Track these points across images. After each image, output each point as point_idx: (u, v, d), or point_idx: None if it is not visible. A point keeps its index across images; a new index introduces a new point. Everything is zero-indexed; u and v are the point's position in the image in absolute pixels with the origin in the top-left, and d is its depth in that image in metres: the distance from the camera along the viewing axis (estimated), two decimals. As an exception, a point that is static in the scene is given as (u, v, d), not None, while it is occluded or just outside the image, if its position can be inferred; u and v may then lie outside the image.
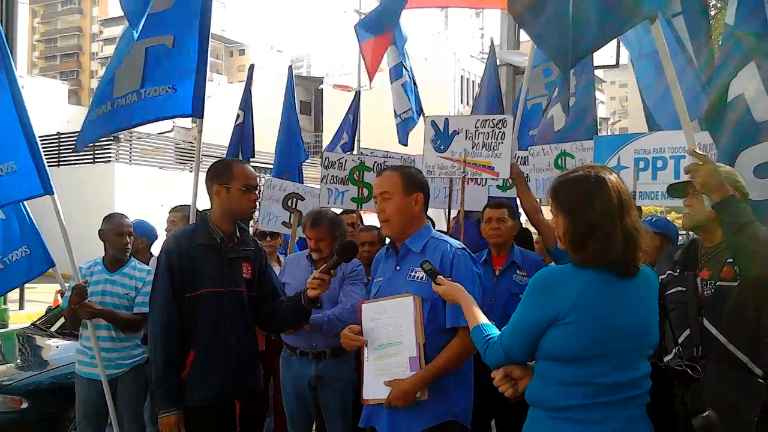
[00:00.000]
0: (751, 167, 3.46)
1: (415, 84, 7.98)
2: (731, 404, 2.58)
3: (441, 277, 2.66)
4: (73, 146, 20.70)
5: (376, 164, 4.92)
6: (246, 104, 7.09)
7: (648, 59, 4.40)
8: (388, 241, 3.19)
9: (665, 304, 3.06)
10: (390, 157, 5.12)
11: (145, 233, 4.98)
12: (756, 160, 3.45)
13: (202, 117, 3.97)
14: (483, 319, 2.47)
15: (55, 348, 6.04)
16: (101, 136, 4.54)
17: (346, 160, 5.01)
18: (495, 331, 2.39)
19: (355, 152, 7.58)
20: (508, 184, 5.28)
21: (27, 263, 3.82)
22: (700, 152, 2.49)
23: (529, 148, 5.58)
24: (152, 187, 18.95)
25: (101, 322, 4.09)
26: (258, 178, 3.34)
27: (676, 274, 2.96)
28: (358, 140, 9.27)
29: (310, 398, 4.08)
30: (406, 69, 8.03)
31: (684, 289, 2.86)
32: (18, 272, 3.83)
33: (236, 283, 3.16)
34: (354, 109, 8.10)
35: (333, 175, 4.92)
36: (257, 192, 3.25)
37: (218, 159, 3.53)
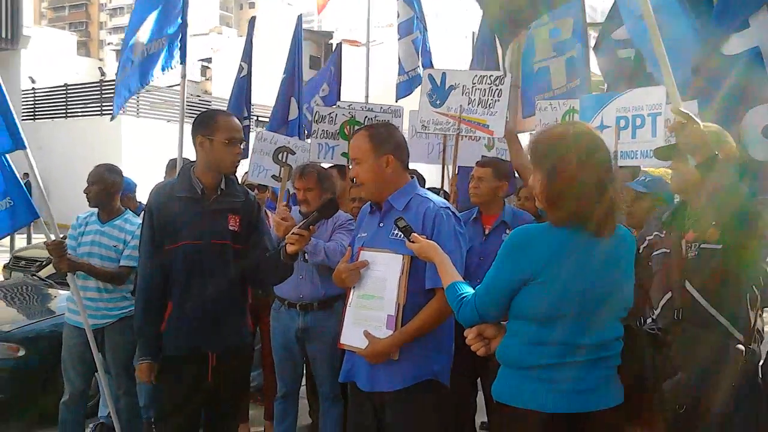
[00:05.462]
0: (760, 127, 3.36)
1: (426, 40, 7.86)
2: (707, 368, 2.57)
3: (415, 234, 2.63)
4: (81, 97, 20.81)
5: (366, 119, 4.85)
6: (248, 56, 7.03)
7: (643, 19, 4.28)
8: None
9: (651, 265, 3.03)
10: (370, 110, 5.04)
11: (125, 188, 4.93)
12: (765, 119, 3.35)
13: (184, 63, 3.96)
14: (457, 277, 2.45)
15: (54, 297, 6.09)
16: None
17: (336, 114, 4.94)
18: (469, 290, 2.37)
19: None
20: (491, 144, 5.25)
21: (11, 214, 3.82)
22: (684, 111, 2.42)
23: (536, 101, 5.47)
24: (159, 140, 18.94)
25: None
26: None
27: (662, 235, 2.92)
28: (366, 96, 9.21)
29: (297, 350, 4.12)
30: (420, 22, 7.89)
31: (668, 250, 2.82)
32: (3, 223, 3.83)
33: (219, 236, 3.13)
34: (335, 60, 7.97)
35: (323, 130, 4.86)
36: (242, 146, 3.20)
37: (205, 110, 3.48)
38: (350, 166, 2.99)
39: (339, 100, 6.95)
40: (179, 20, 4.15)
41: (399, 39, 8.01)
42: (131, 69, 4.53)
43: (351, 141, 3.00)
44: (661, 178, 3.46)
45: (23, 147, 3.64)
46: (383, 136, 2.96)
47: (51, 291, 6.23)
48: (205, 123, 3.15)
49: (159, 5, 4.42)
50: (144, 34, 4.45)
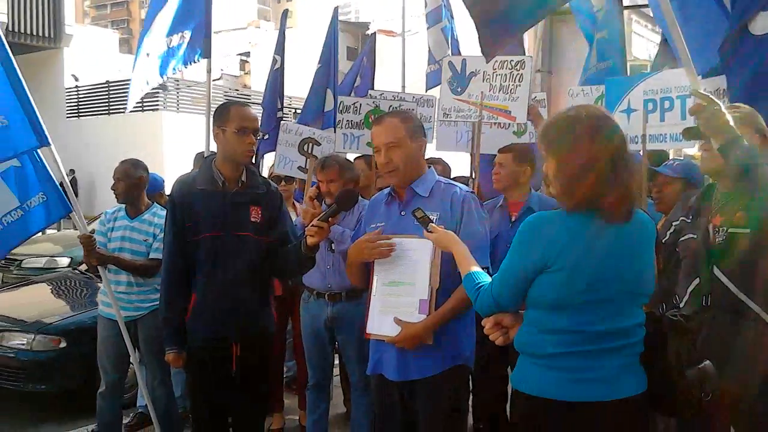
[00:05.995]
0: None
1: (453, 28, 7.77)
2: (738, 355, 2.50)
3: (433, 224, 2.62)
4: (124, 95, 21.21)
5: (391, 108, 4.83)
6: (281, 48, 7.05)
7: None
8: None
9: (678, 251, 2.96)
10: (402, 99, 5.00)
11: (152, 186, 4.99)
12: None
13: (209, 57, 3.99)
14: (475, 267, 2.42)
15: (94, 290, 6.23)
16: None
17: (361, 104, 4.93)
18: (486, 279, 2.34)
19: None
20: (521, 130, 5.14)
21: (45, 209, 3.91)
22: (704, 93, 2.34)
23: (569, 88, 5.38)
24: (200, 134, 19.16)
25: None
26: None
27: (689, 220, 2.85)
28: (403, 86, 9.17)
29: (327, 339, 4.14)
30: (447, 10, 7.82)
31: (695, 235, 2.74)
32: (38, 218, 3.93)
33: (241, 227, 3.16)
34: (368, 52, 7.93)
35: (348, 120, 4.86)
36: (255, 135, 3.20)
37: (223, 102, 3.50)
38: (379, 151, 2.88)
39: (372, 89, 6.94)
40: (202, 15, 4.15)
41: (428, 28, 7.94)
42: (148, 62, 4.51)
43: (379, 125, 2.91)
44: (691, 162, 3.37)
45: (47, 144, 3.71)
46: (416, 122, 2.96)
47: (95, 284, 6.38)
48: (220, 114, 3.18)
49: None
50: (162, 27, 4.44)
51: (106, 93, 21.60)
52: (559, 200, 2.16)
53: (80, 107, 22.51)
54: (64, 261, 9.05)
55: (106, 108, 21.43)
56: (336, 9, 7.35)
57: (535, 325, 2.19)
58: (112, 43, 31.49)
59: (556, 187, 2.15)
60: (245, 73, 50.63)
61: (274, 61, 7.04)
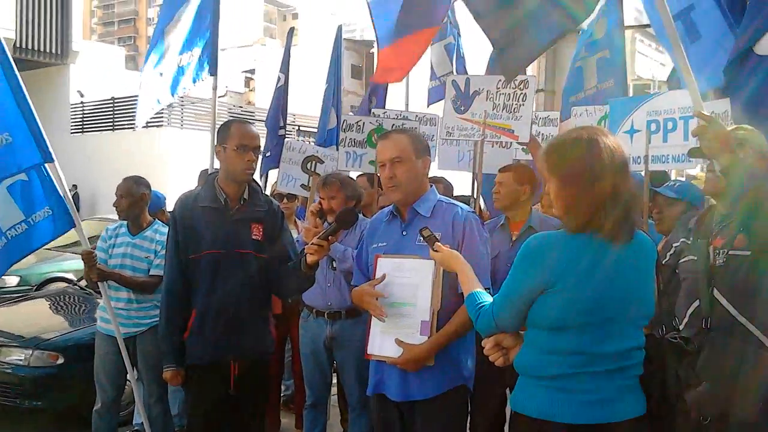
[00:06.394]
0: None
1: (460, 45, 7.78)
2: (738, 378, 2.48)
3: (439, 243, 2.61)
4: (129, 111, 21.33)
5: (394, 126, 4.86)
6: (286, 66, 7.10)
7: (676, 19, 4.17)
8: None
9: (679, 273, 2.95)
10: (405, 118, 5.03)
11: (154, 203, 5.00)
12: None
13: (215, 75, 4.02)
14: (478, 287, 2.42)
15: (94, 306, 6.21)
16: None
17: (364, 123, 4.96)
18: (488, 299, 2.34)
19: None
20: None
21: (51, 222, 3.92)
22: (707, 114, 2.34)
23: (572, 108, 5.39)
24: (203, 151, 19.19)
25: None
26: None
27: (689, 242, 2.84)
28: (406, 104, 9.20)
29: (325, 358, 4.13)
30: (454, 27, 7.83)
31: (696, 257, 2.74)
32: (44, 232, 3.93)
33: (242, 245, 3.16)
34: None
35: (351, 138, 4.89)
36: (255, 153, 3.20)
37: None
38: (384, 166, 2.88)
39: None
40: (208, 33, 4.21)
41: (432, 44, 7.98)
42: (160, 80, 4.60)
43: (385, 141, 2.93)
44: (691, 183, 3.37)
45: (51, 160, 3.73)
46: (422, 139, 2.98)
47: (95, 300, 6.36)
48: (221, 132, 3.20)
49: (189, 16, 4.48)
50: (175, 45, 4.53)
51: (111, 109, 21.69)
52: (561, 221, 2.16)
53: (85, 123, 22.60)
54: (13, 280, 8.68)
55: (111, 124, 21.51)
56: (340, 27, 7.40)
57: (536, 346, 2.18)
58: (119, 59, 31.62)
59: (559, 208, 2.15)
60: (250, 90, 50.85)
61: (278, 79, 7.09)
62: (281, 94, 7.04)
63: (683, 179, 3.58)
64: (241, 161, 3.13)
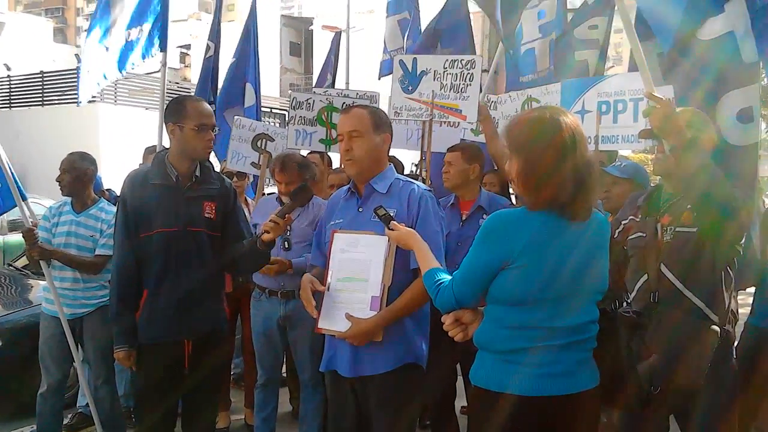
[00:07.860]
0: (734, 111, 3.36)
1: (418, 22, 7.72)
2: (682, 351, 2.59)
3: (394, 222, 2.63)
4: (58, 86, 20.51)
5: (344, 105, 4.83)
6: (215, 36, 6.84)
7: None
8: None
9: (626, 249, 3.05)
10: (346, 96, 5.00)
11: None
12: (740, 104, 3.34)
13: (165, 50, 3.92)
14: (435, 263, 2.46)
15: (32, 288, 6.01)
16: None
17: (314, 101, 4.90)
18: (446, 277, 2.37)
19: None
20: (480, 129, 5.20)
21: None
22: (658, 95, 2.42)
23: (497, 96, 5.46)
24: (138, 127, 18.68)
25: None
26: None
27: (638, 219, 2.94)
28: (347, 83, 9.16)
29: (278, 337, 4.11)
30: (410, 2, 7.76)
31: (644, 234, 2.84)
32: None
33: (194, 223, 3.11)
34: (334, 50, 7.91)
35: (301, 116, 4.82)
36: (213, 131, 3.16)
37: (176, 96, 3.44)
38: (342, 139, 2.87)
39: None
40: (159, 7, 4.09)
41: (387, 17, 7.90)
42: (106, 55, 4.45)
43: (345, 114, 2.92)
44: (637, 164, 3.48)
45: None
46: (383, 115, 2.97)
47: (28, 281, 6.15)
48: (175, 110, 3.12)
49: None
50: (122, 20, 4.39)
51: (41, 83, 20.82)
52: (522, 199, 2.21)
53: (12, 98, 21.65)
54: None
55: (41, 99, 20.65)
56: (254, 1, 7.20)
57: (495, 321, 2.22)
58: (47, 32, 30.40)
59: (519, 186, 2.19)
60: (186, 66, 49.56)
61: (207, 48, 6.85)
62: (209, 64, 6.77)
63: (629, 160, 3.70)
64: (201, 141, 3.09)
